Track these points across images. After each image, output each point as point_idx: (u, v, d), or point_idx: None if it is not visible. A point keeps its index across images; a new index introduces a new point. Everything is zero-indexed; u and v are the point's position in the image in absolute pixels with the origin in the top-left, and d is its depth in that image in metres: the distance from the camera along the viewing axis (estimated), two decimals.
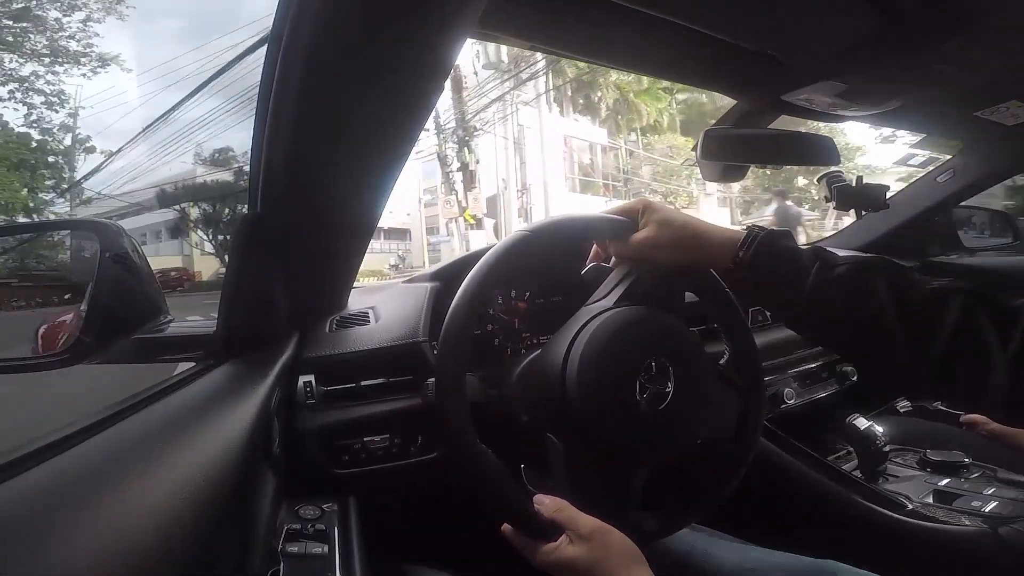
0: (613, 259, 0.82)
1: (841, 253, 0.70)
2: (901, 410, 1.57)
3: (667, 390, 0.72)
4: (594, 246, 0.85)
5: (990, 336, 0.62)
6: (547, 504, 0.66)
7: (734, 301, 0.83)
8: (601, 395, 0.69)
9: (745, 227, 0.74)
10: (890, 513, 1.10)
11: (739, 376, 0.84)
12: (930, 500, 1.18)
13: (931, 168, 1.91)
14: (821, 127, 1.57)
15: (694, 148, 1.16)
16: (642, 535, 0.74)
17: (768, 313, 1.31)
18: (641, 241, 0.75)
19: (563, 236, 0.77)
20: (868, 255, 0.72)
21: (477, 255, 0.77)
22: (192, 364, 0.80)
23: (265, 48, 0.62)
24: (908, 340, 0.64)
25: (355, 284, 1.09)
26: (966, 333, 0.63)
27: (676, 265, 0.76)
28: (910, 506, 1.13)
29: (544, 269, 1.07)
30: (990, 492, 1.16)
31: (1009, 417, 0.86)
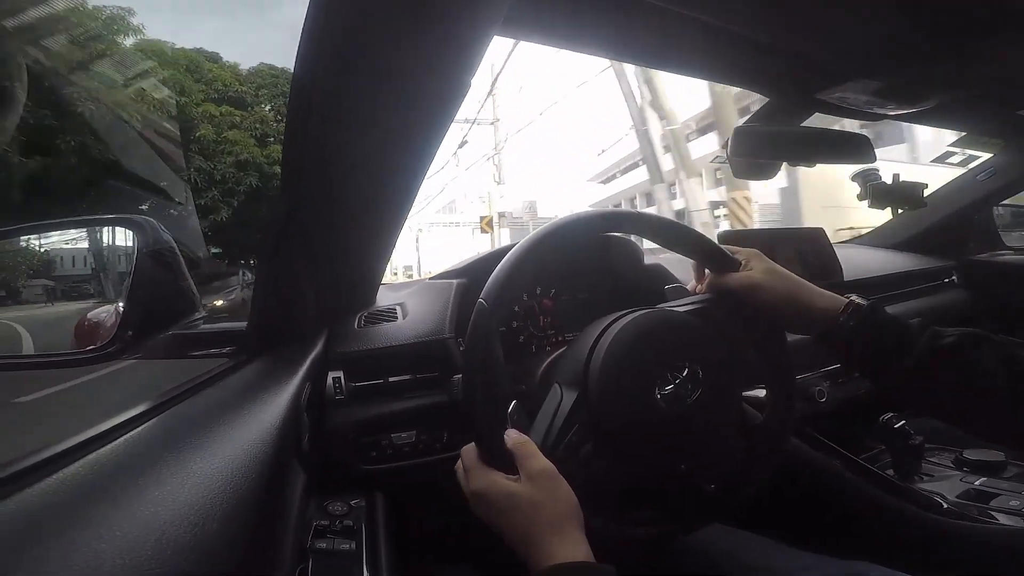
0: (698, 285, 0.85)
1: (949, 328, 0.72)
2: None
3: (690, 394, 0.70)
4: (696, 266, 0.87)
5: None
6: (512, 436, 0.64)
7: (791, 362, 0.83)
8: (620, 393, 0.68)
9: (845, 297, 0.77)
10: (925, 513, 1.08)
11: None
12: (966, 500, 1.15)
13: (971, 166, 1.86)
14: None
15: (724, 145, 1.15)
16: (655, 537, 0.74)
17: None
18: (741, 279, 0.78)
19: (680, 243, 0.80)
20: (974, 329, 0.73)
21: (503, 251, 0.77)
22: (224, 360, 0.81)
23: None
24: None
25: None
26: None
27: (764, 309, 0.78)
28: (945, 505, 1.11)
29: (572, 266, 1.07)
30: None
31: None
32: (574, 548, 0.56)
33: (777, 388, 0.82)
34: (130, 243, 0.84)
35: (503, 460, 0.63)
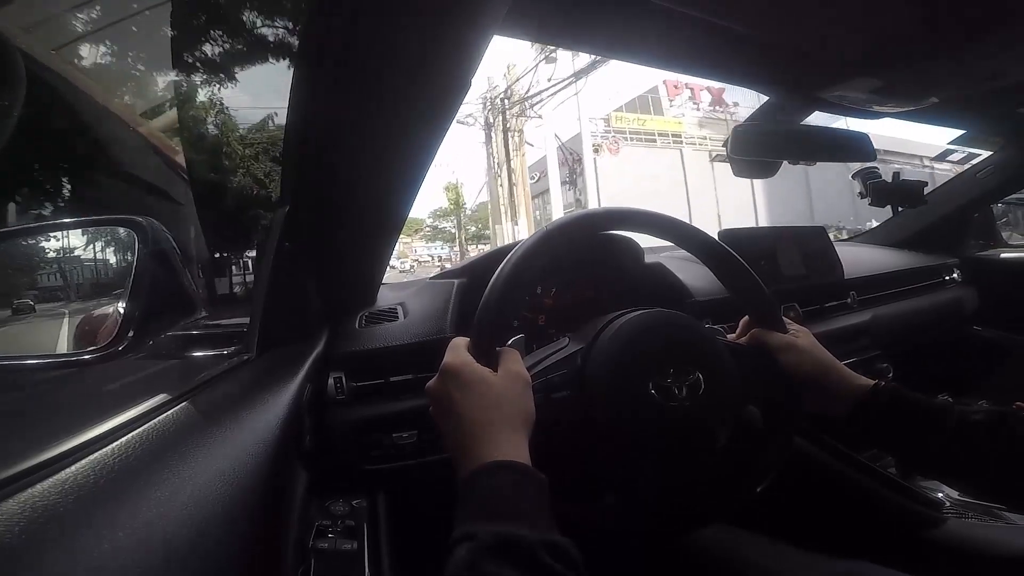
0: (742, 337, 0.85)
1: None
2: None
3: (683, 399, 0.68)
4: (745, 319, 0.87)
5: None
6: (509, 343, 0.67)
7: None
8: (621, 364, 0.68)
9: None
10: (926, 511, 1.08)
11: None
12: (969, 498, 1.14)
13: (971, 164, 1.87)
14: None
15: (724, 143, 1.15)
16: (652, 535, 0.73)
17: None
18: (785, 338, 0.80)
19: (744, 292, 0.81)
20: (999, 407, 0.73)
21: (504, 251, 0.77)
22: (225, 360, 0.81)
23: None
24: None
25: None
26: None
27: (795, 373, 0.79)
28: (948, 503, 1.10)
29: (573, 265, 1.07)
30: None
31: None
32: (519, 451, 0.57)
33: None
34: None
35: (488, 353, 0.64)
